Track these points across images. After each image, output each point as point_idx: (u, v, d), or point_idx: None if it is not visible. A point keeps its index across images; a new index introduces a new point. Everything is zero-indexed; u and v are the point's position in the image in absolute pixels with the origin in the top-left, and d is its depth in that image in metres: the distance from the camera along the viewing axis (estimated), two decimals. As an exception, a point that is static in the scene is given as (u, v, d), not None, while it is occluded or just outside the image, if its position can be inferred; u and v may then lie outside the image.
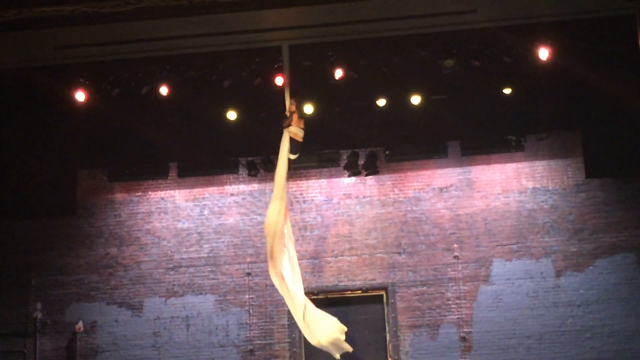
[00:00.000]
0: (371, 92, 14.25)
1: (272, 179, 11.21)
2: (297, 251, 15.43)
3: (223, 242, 15.83)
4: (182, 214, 15.98)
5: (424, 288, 15.36)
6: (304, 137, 10.73)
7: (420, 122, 14.71)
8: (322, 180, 15.83)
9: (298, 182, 15.77)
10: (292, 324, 15.29)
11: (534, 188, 15.50)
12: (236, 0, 10.06)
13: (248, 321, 15.45)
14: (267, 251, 10.23)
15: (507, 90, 14.16)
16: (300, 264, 15.41)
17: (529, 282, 15.17)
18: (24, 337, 15.63)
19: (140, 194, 16.11)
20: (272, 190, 15.38)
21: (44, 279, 15.83)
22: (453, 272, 15.34)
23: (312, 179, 15.81)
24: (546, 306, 15.06)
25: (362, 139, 15.21)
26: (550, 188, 15.48)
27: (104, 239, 16.00)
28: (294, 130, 10.57)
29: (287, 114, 10.67)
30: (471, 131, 15.08)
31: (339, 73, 13.51)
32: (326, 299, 15.37)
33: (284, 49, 11.04)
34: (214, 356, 15.35)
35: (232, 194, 15.98)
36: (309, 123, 13.50)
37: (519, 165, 15.58)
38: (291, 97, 10.57)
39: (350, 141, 15.21)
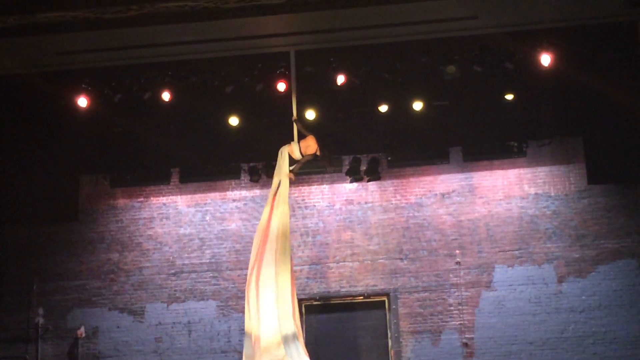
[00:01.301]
0: (373, 98, 14.26)
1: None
2: (299, 257, 15.55)
3: (225, 247, 15.83)
4: (184, 220, 15.99)
5: (426, 294, 15.34)
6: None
7: (422, 128, 14.72)
8: (324, 186, 15.83)
9: (300, 187, 15.76)
10: (294, 330, 15.28)
11: (536, 194, 15.49)
12: (238, 7, 10.07)
13: (250, 327, 15.43)
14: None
15: (509, 96, 14.18)
16: (302, 270, 15.57)
17: (531, 288, 15.15)
18: (26, 342, 15.64)
19: (142, 199, 16.11)
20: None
21: (46, 284, 15.84)
22: (455, 278, 15.32)
23: (314, 185, 15.80)
24: (548, 312, 15.04)
25: (364, 145, 15.22)
26: (553, 194, 15.47)
27: (106, 245, 16.00)
28: (293, 148, 10.57)
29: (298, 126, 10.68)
30: (473, 137, 15.09)
31: (341, 79, 13.53)
32: (328, 305, 15.38)
33: (291, 55, 11.06)
34: (216, 362, 15.37)
35: (234, 200, 15.99)
36: (311, 129, 13.60)
37: (521, 171, 15.57)
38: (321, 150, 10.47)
39: (352, 147, 15.22)
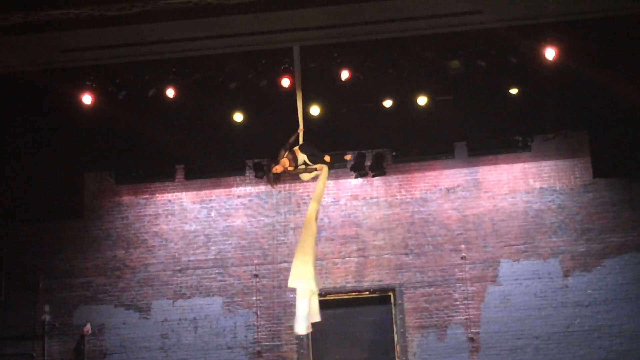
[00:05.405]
0: (377, 93, 14.25)
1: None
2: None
3: (230, 244, 15.85)
4: (189, 216, 16.01)
5: (432, 289, 15.35)
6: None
7: (427, 122, 14.70)
8: (329, 181, 15.72)
9: (305, 183, 15.76)
10: (300, 326, 15.29)
11: (541, 188, 15.49)
12: (242, 3, 10.05)
13: (255, 323, 15.46)
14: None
15: (514, 91, 14.16)
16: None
17: (536, 283, 15.16)
18: (33, 339, 15.68)
19: (147, 196, 16.14)
20: (279, 192, 15.61)
21: (52, 281, 15.88)
22: (460, 273, 15.33)
23: (319, 180, 15.79)
24: (554, 306, 15.04)
25: (368, 140, 15.20)
26: (558, 188, 15.47)
27: (112, 242, 16.03)
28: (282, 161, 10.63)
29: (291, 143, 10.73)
30: (478, 132, 15.06)
31: (345, 74, 13.52)
32: (334, 301, 15.38)
33: (295, 51, 11.05)
34: (222, 358, 15.37)
35: (239, 196, 16.00)
36: (315, 124, 13.63)
37: (526, 165, 15.56)
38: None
39: (356, 142, 15.20)
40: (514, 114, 14.70)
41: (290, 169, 10.51)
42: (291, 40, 11.04)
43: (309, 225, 10.63)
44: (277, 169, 10.46)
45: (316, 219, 10.77)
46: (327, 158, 10.61)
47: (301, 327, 10.37)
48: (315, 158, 10.61)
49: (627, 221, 15.21)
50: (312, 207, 10.76)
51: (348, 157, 11.20)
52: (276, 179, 10.65)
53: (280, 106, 13.59)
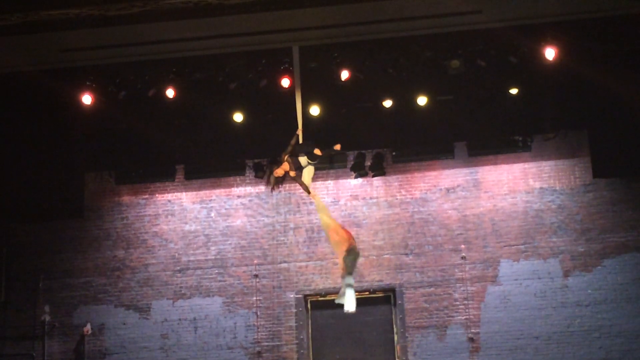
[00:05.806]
0: (377, 93, 14.26)
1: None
2: (305, 252, 15.60)
3: (230, 244, 15.84)
4: (189, 216, 16.00)
5: (432, 289, 15.34)
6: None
7: (427, 122, 14.71)
8: (329, 181, 15.83)
9: (305, 183, 15.76)
10: (300, 326, 15.31)
11: (541, 188, 15.48)
12: (242, 3, 10.06)
13: (256, 323, 15.46)
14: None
15: (514, 91, 14.16)
16: (307, 266, 15.62)
17: (536, 283, 15.15)
18: (33, 340, 15.68)
19: (147, 196, 16.14)
20: (279, 192, 15.61)
21: (52, 281, 15.87)
22: (460, 273, 15.32)
23: (318, 181, 15.79)
24: (554, 306, 15.04)
25: (368, 140, 15.20)
26: (558, 188, 15.46)
27: (112, 242, 16.03)
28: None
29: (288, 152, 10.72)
30: (478, 132, 15.06)
31: (345, 74, 13.52)
32: (334, 301, 15.36)
33: (294, 51, 11.06)
34: (222, 358, 15.37)
35: (239, 196, 16.00)
36: (315, 124, 13.63)
37: (526, 165, 15.56)
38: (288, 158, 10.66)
39: (356, 142, 15.20)
40: (514, 114, 14.71)
41: (292, 173, 10.51)
42: (291, 40, 11.05)
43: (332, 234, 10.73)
44: (278, 172, 10.46)
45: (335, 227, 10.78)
46: (317, 151, 10.59)
47: (350, 305, 10.85)
48: (311, 155, 10.63)
49: (627, 221, 15.21)
50: (321, 219, 10.85)
51: (338, 147, 11.17)
52: (277, 183, 10.65)
53: (280, 106, 13.59)
